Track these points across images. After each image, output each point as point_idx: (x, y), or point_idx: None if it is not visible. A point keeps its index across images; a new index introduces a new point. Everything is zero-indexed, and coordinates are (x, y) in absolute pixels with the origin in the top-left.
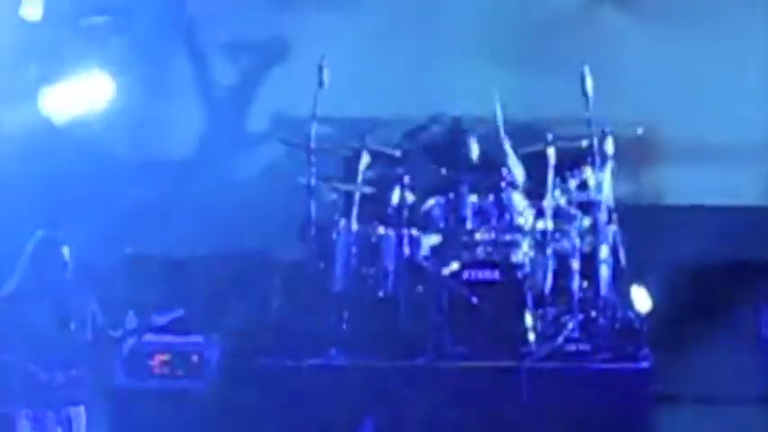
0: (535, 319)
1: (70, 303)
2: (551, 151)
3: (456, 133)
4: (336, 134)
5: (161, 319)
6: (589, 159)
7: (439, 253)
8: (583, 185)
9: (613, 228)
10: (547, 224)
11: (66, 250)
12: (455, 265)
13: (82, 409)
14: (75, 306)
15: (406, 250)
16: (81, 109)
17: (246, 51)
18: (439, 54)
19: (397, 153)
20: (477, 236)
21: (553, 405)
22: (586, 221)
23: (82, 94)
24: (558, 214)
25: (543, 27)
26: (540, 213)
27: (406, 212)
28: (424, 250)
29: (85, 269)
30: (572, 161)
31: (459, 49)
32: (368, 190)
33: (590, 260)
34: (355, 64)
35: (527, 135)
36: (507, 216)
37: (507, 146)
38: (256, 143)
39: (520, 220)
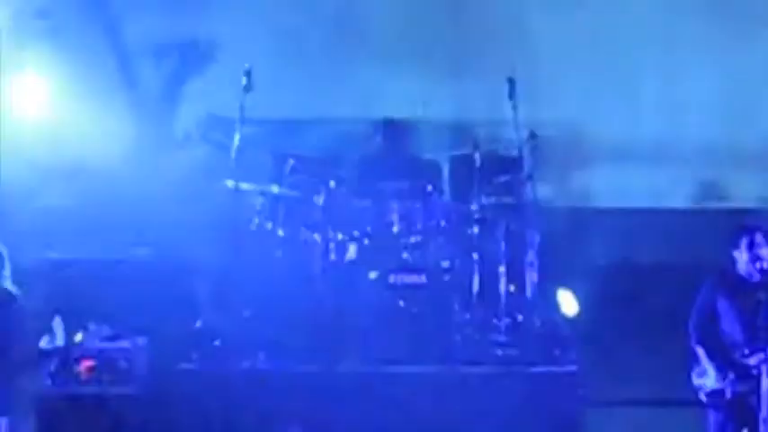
0: (462, 323)
1: None
2: (477, 154)
3: (385, 137)
4: (262, 137)
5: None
6: (515, 162)
7: (365, 257)
8: (509, 188)
9: (539, 231)
10: (473, 228)
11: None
12: (381, 270)
13: (4, 421)
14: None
15: (332, 255)
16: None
17: (172, 52)
18: (364, 56)
19: (323, 156)
20: (404, 240)
21: (480, 409)
22: (513, 225)
23: (11, 97)
24: (484, 218)
25: (469, 29)
26: (466, 217)
27: (331, 216)
28: (351, 254)
29: (12, 274)
30: (498, 164)
31: (383, 51)
32: (294, 194)
33: (516, 264)
34: (281, 65)
35: (453, 138)
36: (433, 220)
37: None
38: (182, 145)
39: (446, 224)
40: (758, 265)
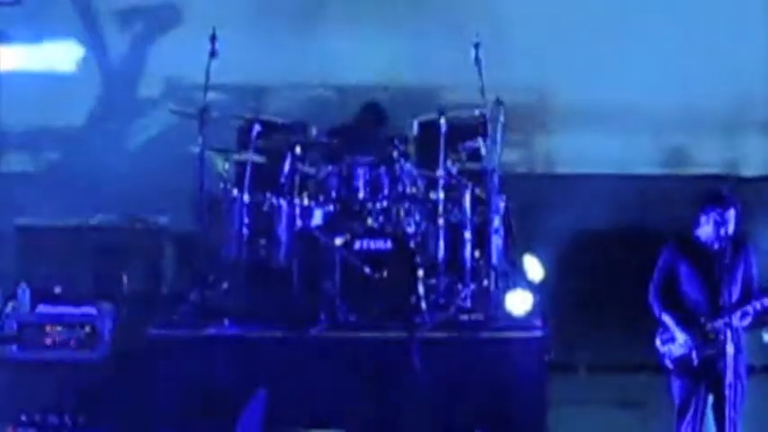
0: (428, 288)
1: None
2: (443, 120)
3: (364, 117)
4: (228, 103)
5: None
6: (481, 128)
7: (331, 223)
8: (475, 154)
9: (505, 197)
10: (439, 194)
11: None
12: (348, 236)
13: None
14: None
15: (299, 221)
16: None
17: (138, 18)
18: (329, 21)
19: (289, 122)
20: (370, 206)
21: (446, 374)
22: (478, 191)
23: None
24: (449, 184)
25: None
26: (432, 183)
27: (298, 182)
28: (317, 220)
29: None
30: (464, 130)
31: (348, 16)
32: (260, 160)
33: (482, 230)
34: (246, 31)
35: (418, 103)
36: (399, 186)
37: None
38: (148, 111)
39: (412, 190)
40: (722, 231)
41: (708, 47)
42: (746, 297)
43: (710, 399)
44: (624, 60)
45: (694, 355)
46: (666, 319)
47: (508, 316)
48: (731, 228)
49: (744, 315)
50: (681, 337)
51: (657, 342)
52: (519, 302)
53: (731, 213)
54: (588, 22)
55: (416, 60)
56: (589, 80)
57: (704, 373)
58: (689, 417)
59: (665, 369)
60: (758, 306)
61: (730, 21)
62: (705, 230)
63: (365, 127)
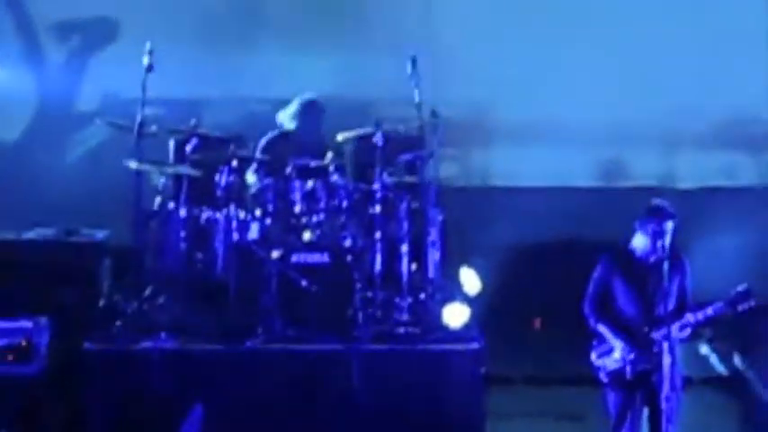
0: (365, 302)
1: None
2: (379, 134)
3: (304, 117)
4: (165, 116)
5: None
6: (417, 142)
7: (268, 236)
8: (411, 168)
9: (441, 210)
10: (375, 207)
11: None
12: (284, 249)
13: None
14: None
15: (236, 234)
16: None
17: (75, 32)
18: (268, 34)
19: (227, 136)
20: (306, 219)
21: (384, 388)
22: (415, 204)
23: None
24: (386, 197)
25: (372, 7)
26: (368, 196)
27: (234, 196)
28: (253, 234)
29: None
30: (400, 143)
31: (287, 30)
32: (196, 173)
33: (419, 243)
34: (184, 45)
35: (355, 117)
36: (336, 199)
37: None
38: (85, 126)
39: (348, 204)
40: (659, 243)
41: (641, 60)
42: (681, 309)
43: (646, 411)
44: (559, 75)
45: (628, 369)
46: (602, 329)
47: (445, 329)
48: (668, 240)
49: (683, 327)
50: (617, 345)
51: (593, 356)
52: (456, 315)
53: (669, 225)
54: (524, 38)
55: (354, 75)
56: (525, 94)
57: (639, 386)
58: (625, 430)
59: (600, 382)
60: (700, 317)
61: (662, 34)
62: (641, 243)
63: (307, 126)
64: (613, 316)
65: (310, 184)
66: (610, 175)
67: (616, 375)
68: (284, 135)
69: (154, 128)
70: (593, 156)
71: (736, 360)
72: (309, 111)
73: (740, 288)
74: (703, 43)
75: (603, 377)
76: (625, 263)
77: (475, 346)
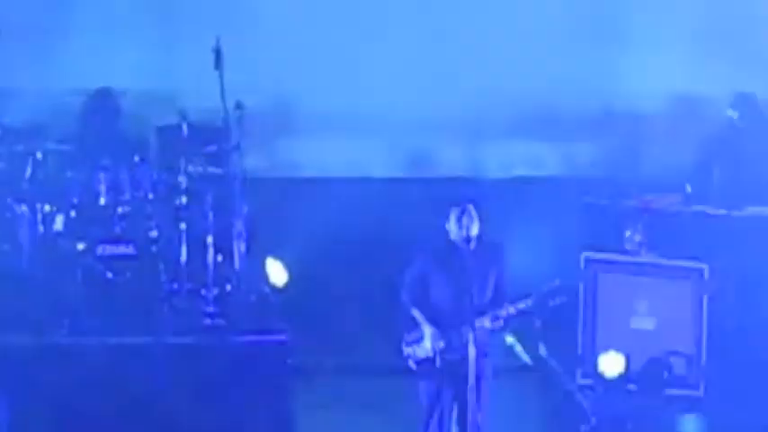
0: (170, 293)
1: None
2: (184, 125)
3: (97, 107)
4: None
5: None
6: (222, 133)
7: (73, 228)
8: (216, 159)
9: (247, 201)
10: (181, 199)
11: None
12: (89, 241)
13: None
14: None
15: (41, 226)
16: None
17: None
18: (74, 26)
19: (31, 127)
20: (111, 211)
21: (191, 378)
22: (220, 195)
23: None
24: (191, 189)
25: None
26: (174, 188)
27: (39, 188)
28: (59, 226)
29: None
30: (205, 134)
31: (93, 21)
32: (0, 165)
33: (224, 234)
34: None
35: (161, 109)
36: (141, 191)
37: None
38: None
39: (154, 195)
40: (464, 233)
41: (446, 50)
42: (498, 300)
43: (455, 401)
44: (365, 65)
45: (438, 357)
46: (417, 314)
47: (252, 319)
48: (475, 229)
49: (495, 318)
50: (427, 332)
51: (403, 345)
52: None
53: (474, 214)
54: (329, 28)
55: (160, 66)
56: (331, 84)
57: (448, 376)
58: (435, 419)
59: (410, 372)
60: (512, 311)
61: (466, 24)
62: (453, 233)
63: (104, 120)
64: (428, 304)
65: (115, 175)
66: (417, 165)
67: (426, 364)
68: (84, 127)
69: None
70: (400, 146)
71: (541, 349)
72: (101, 101)
73: (552, 284)
74: (507, 33)
75: (413, 366)
76: (441, 252)
77: (282, 337)
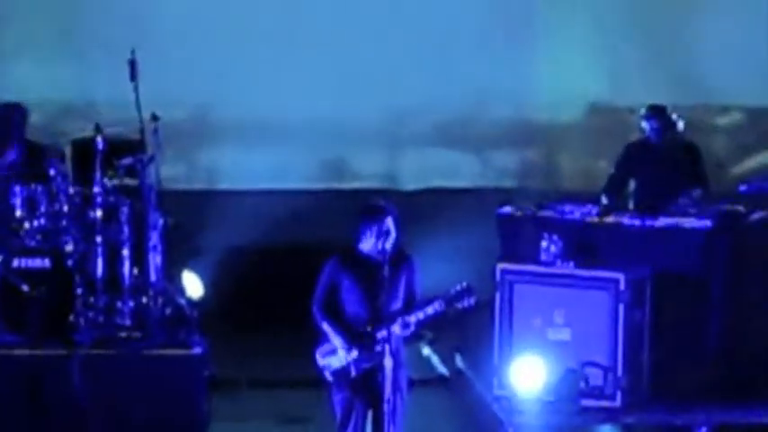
0: (86, 306)
1: None
2: (99, 137)
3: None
4: None
5: None
6: (138, 144)
7: None
8: (132, 171)
9: (163, 213)
10: (96, 211)
11: None
12: (5, 254)
13: None
14: None
15: None
16: None
17: None
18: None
19: None
20: (27, 224)
21: (106, 393)
22: (136, 207)
23: None
24: (106, 201)
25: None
26: (89, 200)
27: None
28: None
29: None
30: (121, 146)
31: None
32: None
33: (140, 247)
34: None
35: (76, 121)
36: (57, 204)
37: None
38: None
39: (69, 208)
40: (380, 243)
41: (365, 60)
42: (408, 309)
43: (370, 412)
44: (282, 73)
45: (353, 368)
46: (327, 328)
47: (167, 333)
48: (391, 240)
49: (405, 326)
50: (338, 343)
51: (317, 355)
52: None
53: (389, 222)
54: (245, 37)
55: (73, 79)
56: (247, 94)
57: (363, 386)
58: (349, 430)
59: (325, 383)
60: (420, 316)
61: (386, 34)
62: (368, 243)
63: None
64: (341, 316)
65: (30, 188)
66: (334, 176)
67: (341, 374)
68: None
69: None
70: (316, 157)
71: (458, 360)
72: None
73: (459, 286)
74: (426, 43)
75: (328, 377)
76: (352, 263)
77: (198, 350)
